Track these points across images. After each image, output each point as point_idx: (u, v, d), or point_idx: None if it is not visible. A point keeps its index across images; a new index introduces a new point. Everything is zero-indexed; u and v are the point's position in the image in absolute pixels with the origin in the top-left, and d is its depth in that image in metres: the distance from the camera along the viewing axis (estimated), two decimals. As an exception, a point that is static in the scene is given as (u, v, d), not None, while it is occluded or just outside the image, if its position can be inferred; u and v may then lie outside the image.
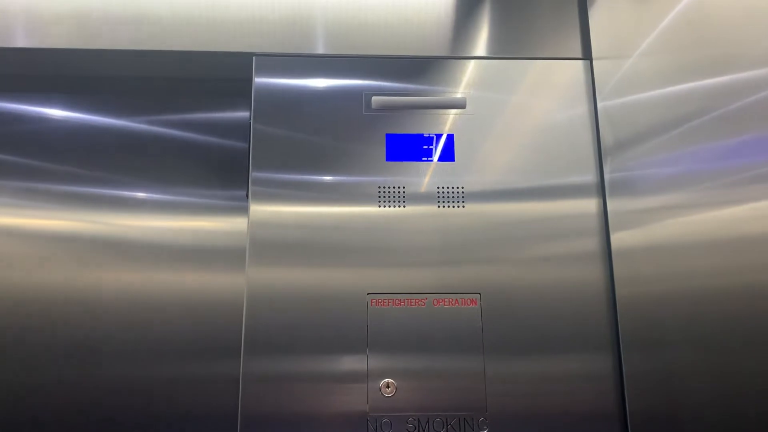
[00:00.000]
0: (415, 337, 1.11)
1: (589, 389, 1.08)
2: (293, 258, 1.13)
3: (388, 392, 1.08)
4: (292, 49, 1.24)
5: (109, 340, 1.10)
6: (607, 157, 1.16)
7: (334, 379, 1.08)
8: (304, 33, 1.25)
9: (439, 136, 1.21)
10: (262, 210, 1.15)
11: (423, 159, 1.20)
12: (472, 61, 1.26)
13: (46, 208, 1.16)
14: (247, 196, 1.16)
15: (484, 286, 1.13)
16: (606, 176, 1.16)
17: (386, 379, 1.09)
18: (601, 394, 1.08)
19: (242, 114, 1.22)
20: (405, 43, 1.27)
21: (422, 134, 1.21)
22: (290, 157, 1.18)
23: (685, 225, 0.90)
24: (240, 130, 1.21)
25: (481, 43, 1.28)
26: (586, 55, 1.26)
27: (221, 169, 1.19)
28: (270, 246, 1.13)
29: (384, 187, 1.18)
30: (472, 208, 1.17)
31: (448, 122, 1.22)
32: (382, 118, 1.22)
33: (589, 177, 1.19)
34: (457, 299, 1.13)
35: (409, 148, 1.20)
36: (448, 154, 1.20)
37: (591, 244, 1.15)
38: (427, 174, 1.19)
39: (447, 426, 1.07)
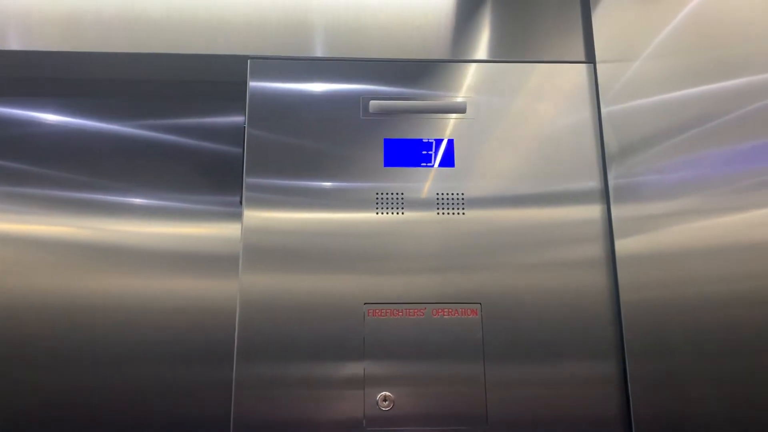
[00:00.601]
0: (414, 349, 1.07)
1: (594, 399, 1.05)
2: (288, 265, 1.10)
3: (386, 406, 1.04)
4: (288, 52, 1.21)
5: (101, 346, 1.07)
6: (612, 162, 1.13)
7: (329, 391, 1.05)
8: (300, 36, 1.23)
9: (438, 141, 1.18)
10: (255, 216, 1.12)
11: (422, 164, 1.17)
12: (473, 64, 1.23)
13: (36, 213, 1.13)
14: (241, 201, 1.13)
15: (484, 296, 1.10)
16: (610, 182, 1.13)
17: (383, 392, 1.05)
18: (605, 403, 1.05)
19: (237, 118, 1.19)
20: (404, 46, 1.24)
21: (421, 139, 1.18)
22: (285, 163, 1.15)
23: (691, 231, 0.87)
24: (234, 134, 1.18)
25: (482, 46, 1.25)
26: (590, 58, 1.23)
27: (215, 175, 1.16)
28: (264, 253, 1.10)
29: (382, 194, 1.15)
30: (473, 214, 1.14)
31: (448, 127, 1.19)
32: (380, 123, 1.19)
33: (593, 183, 1.16)
34: (457, 309, 1.09)
35: (408, 153, 1.17)
36: (447, 160, 1.17)
37: (595, 250, 1.12)
38: (427, 180, 1.16)
39: (446, 441, 1.04)
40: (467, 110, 1.20)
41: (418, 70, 1.22)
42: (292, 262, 1.10)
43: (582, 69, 1.23)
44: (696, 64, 0.88)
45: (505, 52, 1.25)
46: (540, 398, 1.05)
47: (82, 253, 1.11)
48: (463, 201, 1.15)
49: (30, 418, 1.04)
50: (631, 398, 1.03)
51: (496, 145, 1.18)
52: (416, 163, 1.17)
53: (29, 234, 1.12)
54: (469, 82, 1.22)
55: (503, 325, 1.08)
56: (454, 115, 1.20)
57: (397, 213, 1.14)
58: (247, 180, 1.14)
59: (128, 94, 1.20)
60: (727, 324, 0.80)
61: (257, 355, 1.05)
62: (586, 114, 1.20)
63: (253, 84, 1.19)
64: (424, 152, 1.17)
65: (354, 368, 1.06)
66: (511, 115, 1.20)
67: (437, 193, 1.15)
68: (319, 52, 1.22)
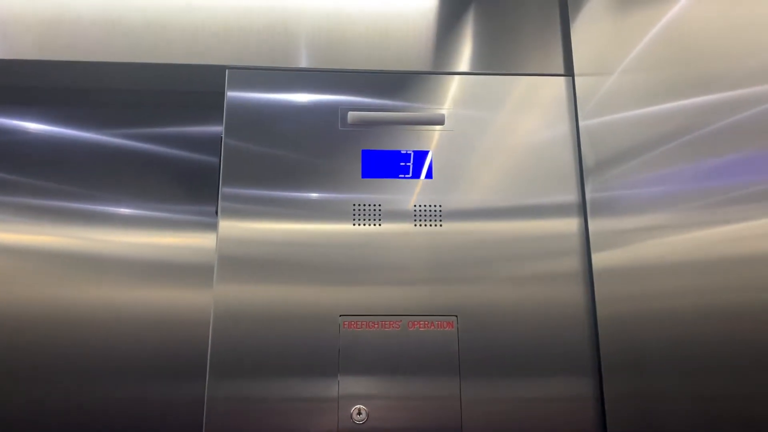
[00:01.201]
0: (389, 362, 1.06)
1: (570, 412, 1.05)
2: (263, 276, 1.09)
3: (360, 419, 1.03)
4: (267, 63, 1.21)
5: (71, 357, 1.06)
6: (589, 176, 1.13)
7: (303, 403, 1.04)
8: (279, 46, 1.22)
9: (416, 152, 1.18)
10: (231, 226, 1.11)
11: (400, 176, 1.16)
12: (453, 76, 1.23)
13: (10, 221, 1.12)
14: (217, 211, 1.12)
15: (461, 308, 1.09)
16: (587, 196, 1.13)
17: (358, 406, 1.04)
18: (581, 417, 1.04)
19: (215, 128, 1.18)
20: (384, 57, 1.24)
21: (399, 151, 1.18)
22: (262, 173, 1.14)
23: (664, 246, 0.87)
24: (213, 144, 1.17)
25: (461, 59, 1.25)
26: (569, 71, 1.23)
27: (191, 184, 1.16)
28: (239, 263, 1.09)
29: (359, 205, 1.14)
30: (450, 227, 1.14)
31: (427, 139, 1.19)
32: (358, 134, 1.18)
33: (571, 196, 1.16)
34: (433, 322, 1.09)
35: (386, 164, 1.17)
36: (425, 172, 1.17)
37: (572, 264, 1.12)
38: (404, 192, 1.16)
39: (420, 455, 1.02)
40: (446, 122, 1.20)
41: (398, 82, 1.22)
42: (267, 273, 1.09)
43: (561, 82, 1.23)
44: (668, 79, 0.88)
45: (485, 64, 1.25)
46: (515, 412, 1.05)
47: (54, 261, 1.10)
48: (440, 213, 1.14)
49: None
50: (607, 415, 1.03)
51: (474, 158, 1.18)
52: (394, 175, 1.16)
53: (3, 242, 1.11)
54: (448, 94, 1.22)
55: (479, 338, 1.08)
56: (432, 127, 1.19)
57: (375, 225, 1.13)
58: (223, 190, 1.13)
59: (105, 103, 1.19)
60: (701, 339, 0.80)
61: (230, 367, 1.04)
62: (564, 127, 1.20)
63: (231, 94, 1.18)
64: (402, 164, 1.17)
65: (328, 381, 1.05)
66: (490, 128, 1.20)
67: (415, 205, 1.15)
68: (297, 63, 1.22)
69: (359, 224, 1.13)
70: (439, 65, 1.25)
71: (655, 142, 0.91)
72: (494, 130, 1.19)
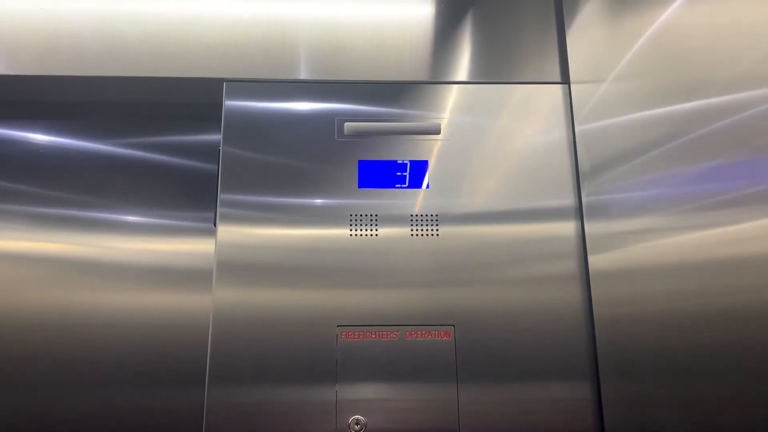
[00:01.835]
0: (386, 372, 1.06)
1: (568, 416, 1.04)
2: (261, 281, 1.09)
3: (357, 429, 1.03)
4: (264, 75, 1.22)
5: (72, 362, 1.08)
6: (584, 180, 1.13)
7: (301, 414, 1.03)
8: (276, 58, 1.24)
9: (413, 162, 1.18)
10: (229, 231, 1.12)
11: (396, 186, 1.17)
12: (449, 86, 1.24)
13: (13, 228, 1.14)
14: (215, 217, 1.13)
15: (458, 317, 1.09)
16: (583, 200, 1.13)
17: (355, 416, 1.04)
18: (579, 421, 1.04)
19: (213, 137, 1.20)
20: (380, 68, 1.25)
21: (396, 161, 1.18)
22: (259, 181, 1.15)
23: (659, 248, 0.87)
24: (211, 152, 1.19)
25: (458, 68, 1.26)
26: (565, 79, 1.23)
27: (190, 191, 1.18)
28: (238, 268, 1.10)
29: (356, 215, 1.15)
30: (447, 234, 1.14)
31: (423, 148, 1.19)
32: (354, 144, 1.19)
33: (567, 200, 1.16)
34: (430, 332, 1.08)
35: (383, 174, 1.17)
36: (422, 181, 1.17)
37: (569, 267, 1.11)
38: (401, 200, 1.16)
39: (417, 466, 1.02)
40: (442, 131, 1.20)
41: (394, 92, 1.23)
42: (265, 278, 1.10)
43: (557, 90, 1.23)
44: (658, 85, 0.88)
45: (482, 73, 1.26)
46: (513, 421, 1.04)
47: (59, 268, 1.13)
48: (437, 222, 1.15)
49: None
50: (604, 419, 1.02)
51: (471, 167, 1.18)
52: (390, 185, 1.17)
53: (6, 250, 1.13)
54: (445, 103, 1.23)
55: (476, 347, 1.07)
56: (429, 137, 1.20)
57: (372, 234, 1.14)
58: (222, 196, 1.14)
59: (106, 115, 1.22)
60: (696, 342, 0.80)
61: (230, 373, 1.05)
62: (561, 133, 1.20)
63: (229, 104, 1.20)
64: (399, 173, 1.17)
65: (326, 391, 1.05)
66: (487, 136, 1.20)
67: (411, 215, 1.15)
68: (294, 74, 1.23)
69: (356, 233, 1.14)
70: (436, 75, 1.25)
71: (647, 146, 0.91)
72: (491, 139, 1.20)
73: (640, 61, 0.93)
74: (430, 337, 1.08)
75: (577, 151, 1.17)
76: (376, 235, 1.14)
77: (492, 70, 1.26)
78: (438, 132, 1.20)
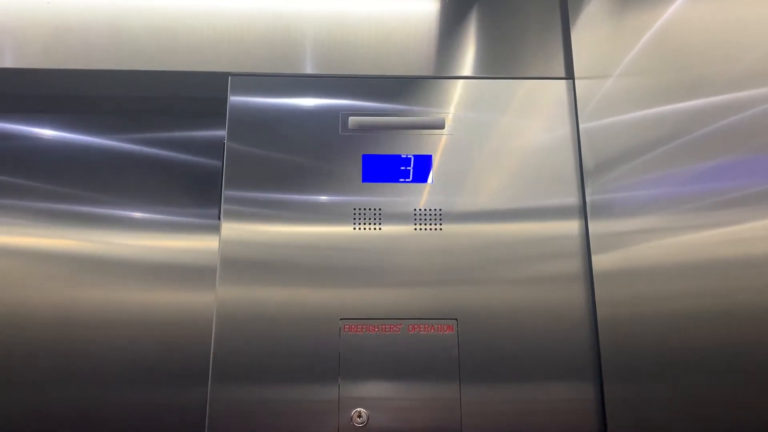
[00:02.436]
0: (389, 365, 1.07)
1: (571, 415, 1.04)
2: (264, 278, 1.10)
3: (360, 422, 1.04)
4: (269, 69, 1.22)
5: (75, 359, 1.08)
6: (588, 178, 1.13)
7: (304, 406, 1.04)
8: (282, 53, 1.24)
9: (417, 156, 1.19)
10: (233, 228, 1.13)
11: (400, 180, 1.17)
12: (453, 81, 1.24)
13: (16, 224, 1.15)
14: (219, 214, 1.14)
15: (461, 311, 1.10)
16: (587, 198, 1.13)
17: (358, 409, 1.05)
18: (582, 420, 1.04)
19: (218, 133, 1.20)
20: (385, 63, 1.25)
21: (399, 155, 1.18)
22: (264, 177, 1.16)
23: (662, 248, 0.87)
24: (215, 148, 1.19)
25: (462, 63, 1.26)
26: (569, 74, 1.23)
27: (195, 188, 1.18)
28: (241, 265, 1.11)
29: (360, 209, 1.15)
30: (450, 230, 1.14)
31: (427, 143, 1.20)
32: (359, 139, 1.19)
33: (571, 199, 1.16)
34: (433, 325, 1.09)
35: (386, 169, 1.18)
36: (425, 175, 1.17)
37: (572, 266, 1.12)
38: (404, 195, 1.16)
39: (419, 458, 1.03)
40: (446, 126, 1.20)
41: (398, 87, 1.23)
42: (268, 275, 1.10)
43: (562, 85, 1.23)
44: (662, 82, 0.88)
45: (486, 68, 1.26)
46: (516, 415, 1.05)
47: (63, 264, 1.13)
48: (440, 216, 1.15)
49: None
50: (607, 418, 1.02)
51: (475, 161, 1.18)
52: (394, 179, 1.17)
53: (6, 245, 1.14)
54: (449, 98, 1.23)
55: (479, 341, 1.08)
56: (433, 131, 1.20)
57: (375, 228, 1.14)
58: (226, 193, 1.14)
59: (110, 109, 1.22)
60: (699, 342, 0.80)
61: (233, 369, 1.06)
62: (565, 130, 1.20)
63: (234, 99, 1.20)
64: (403, 168, 1.18)
65: (329, 383, 1.06)
66: (491, 131, 1.20)
67: (415, 209, 1.16)
68: (299, 69, 1.23)
69: (360, 228, 1.14)
70: (441, 70, 1.25)
71: (650, 145, 0.91)
72: (495, 134, 1.20)
73: (643, 57, 0.93)
74: (432, 330, 1.09)
75: (582, 148, 1.17)
76: (380, 229, 1.14)
77: (496, 65, 1.26)
78: (442, 127, 1.20)
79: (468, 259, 1.12)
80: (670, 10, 0.87)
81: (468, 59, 1.26)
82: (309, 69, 1.23)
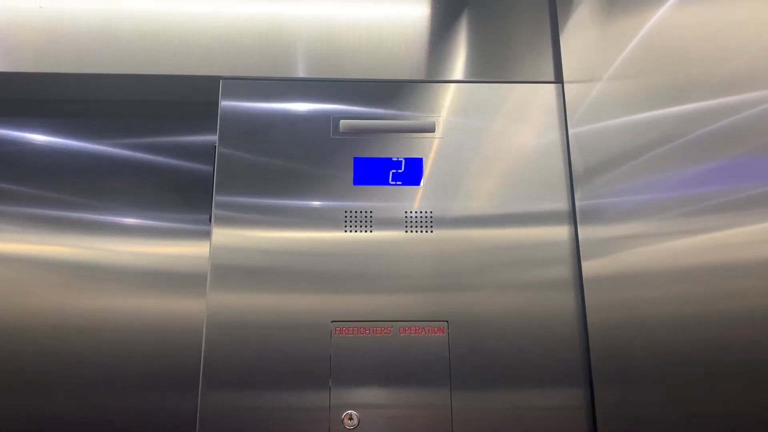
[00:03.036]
0: (380, 367, 1.07)
1: (561, 420, 1.05)
2: (256, 283, 1.10)
3: (351, 424, 1.04)
4: (260, 73, 1.23)
5: (66, 366, 1.08)
6: (578, 183, 1.14)
7: (295, 410, 1.05)
8: (273, 56, 1.24)
9: (408, 159, 1.19)
10: (224, 233, 1.13)
11: (391, 183, 1.18)
12: (444, 85, 1.25)
13: (6, 230, 1.15)
14: (210, 219, 1.14)
15: (451, 314, 1.10)
16: (577, 203, 1.14)
17: (348, 411, 1.05)
18: (572, 425, 1.05)
19: (209, 137, 1.20)
20: (376, 67, 1.25)
21: (390, 158, 1.19)
22: (255, 181, 1.16)
23: (651, 254, 0.87)
24: (206, 153, 1.19)
25: (453, 67, 1.27)
26: (558, 78, 1.24)
27: (186, 193, 1.18)
28: (232, 271, 1.11)
29: (351, 212, 1.16)
30: (441, 233, 1.15)
31: (418, 146, 1.20)
32: (350, 142, 1.20)
33: (561, 204, 1.17)
34: (423, 328, 1.10)
35: (377, 171, 1.18)
36: (416, 178, 1.18)
37: (563, 272, 1.12)
38: (396, 198, 1.17)
39: (410, 460, 1.03)
40: (437, 129, 1.21)
41: (389, 90, 1.24)
42: (260, 281, 1.10)
43: (551, 89, 1.24)
44: (651, 87, 0.89)
45: (476, 72, 1.26)
46: (506, 419, 1.05)
47: (53, 270, 1.13)
48: (431, 219, 1.16)
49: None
50: (597, 423, 1.03)
51: (465, 165, 1.19)
52: (385, 182, 1.18)
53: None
54: (439, 101, 1.23)
55: (470, 344, 1.09)
56: (423, 135, 1.21)
57: (366, 231, 1.15)
58: (217, 198, 1.15)
59: (101, 113, 1.23)
60: (689, 347, 0.80)
61: (223, 375, 1.06)
62: (555, 134, 1.21)
63: (225, 103, 1.20)
64: (394, 171, 1.18)
65: (320, 387, 1.06)
66: (481, 135, 1.21)
67: (406, 212, 1.16)
68: (291, 73, 1.24)
69: (351, 231, 1.15)
70: (431, 74, 1.26)
71: (639, 150, 0.91)
72: (485, 138, 1.21)
73: (632, 61, 0.94)
74: (423, 333, 1.09)
75: (571, 153, 1.17)
76: (371, 232, 1.15)
77: (486, 69, 1.27)
78: (433, 130, 1.21)
79: (458, 262, 1.13)
80: (658, 14, 0.88)
81: (458, 63, 1.27)
82: (301, 73, 1.24)
